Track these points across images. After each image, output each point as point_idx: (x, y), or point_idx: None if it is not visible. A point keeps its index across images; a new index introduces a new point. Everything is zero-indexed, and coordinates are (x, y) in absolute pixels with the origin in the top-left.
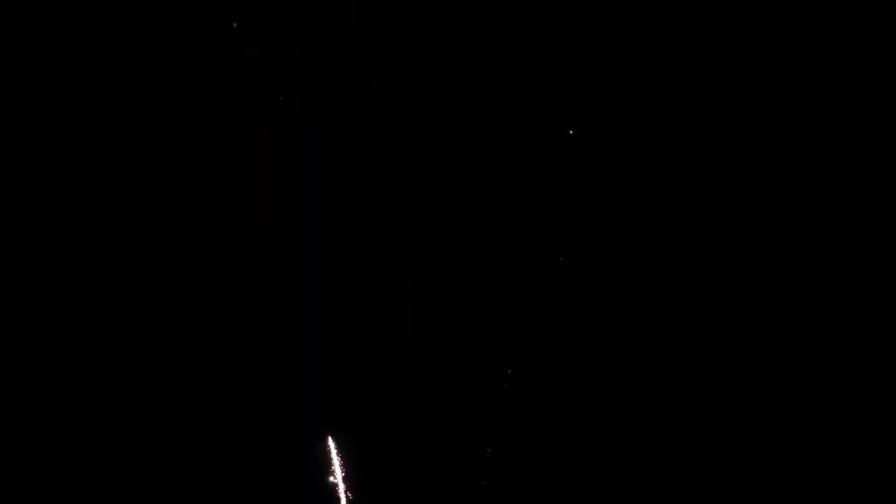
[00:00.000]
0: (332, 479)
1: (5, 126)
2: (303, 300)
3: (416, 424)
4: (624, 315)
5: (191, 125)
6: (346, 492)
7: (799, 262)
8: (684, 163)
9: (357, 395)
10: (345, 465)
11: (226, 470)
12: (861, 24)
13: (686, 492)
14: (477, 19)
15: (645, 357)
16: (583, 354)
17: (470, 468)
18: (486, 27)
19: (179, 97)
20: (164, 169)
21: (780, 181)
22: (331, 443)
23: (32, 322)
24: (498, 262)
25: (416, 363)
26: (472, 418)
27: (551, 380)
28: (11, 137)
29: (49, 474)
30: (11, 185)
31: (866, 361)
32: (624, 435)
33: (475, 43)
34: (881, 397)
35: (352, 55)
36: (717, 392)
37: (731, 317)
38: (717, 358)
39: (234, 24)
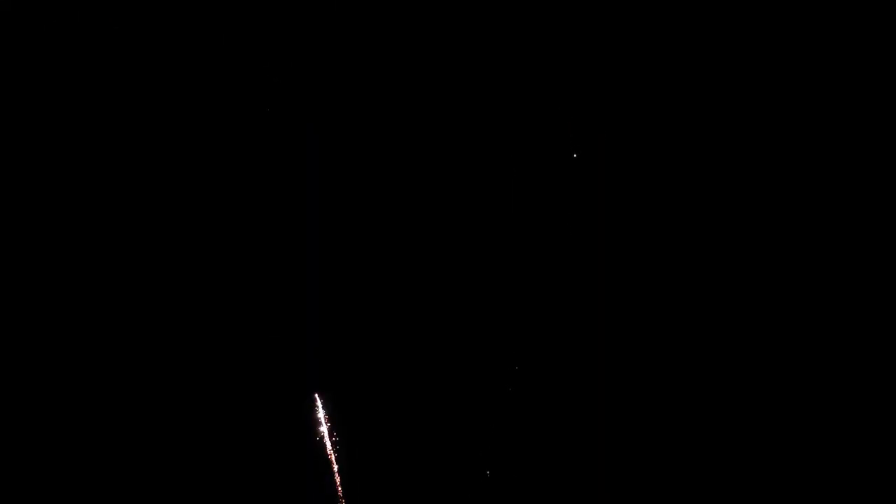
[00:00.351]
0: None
1: (5, 126)
2: (303, 302)
3: (415, 426)
4: (624, 319)
5: (191, 125)
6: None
7: (799, 264)
8: (685, 166)
9: (357, 396)
10: (343, 468)
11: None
12: (861, 24)
13: (686, 492)
14: (477, 20)
15: (645, 360)
16: (583, 358)
17: (470, 469)
18: (485, 28)
19: (179, 97)
20: (163, 169)
21: (781, 183)
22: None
23: (32, 322)
24: (498, 264)
25: (416, 365)
26: (472, 420)
27: (552, 383)
28: (11, 137)
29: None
30: (11, 185)
31: (866, 361)
32: (624, 437)
33: (475, 44)
34: (881, 397)
35: (352, 55)
36: (718, 394)
37: (731, 319)
38: (717, 360)
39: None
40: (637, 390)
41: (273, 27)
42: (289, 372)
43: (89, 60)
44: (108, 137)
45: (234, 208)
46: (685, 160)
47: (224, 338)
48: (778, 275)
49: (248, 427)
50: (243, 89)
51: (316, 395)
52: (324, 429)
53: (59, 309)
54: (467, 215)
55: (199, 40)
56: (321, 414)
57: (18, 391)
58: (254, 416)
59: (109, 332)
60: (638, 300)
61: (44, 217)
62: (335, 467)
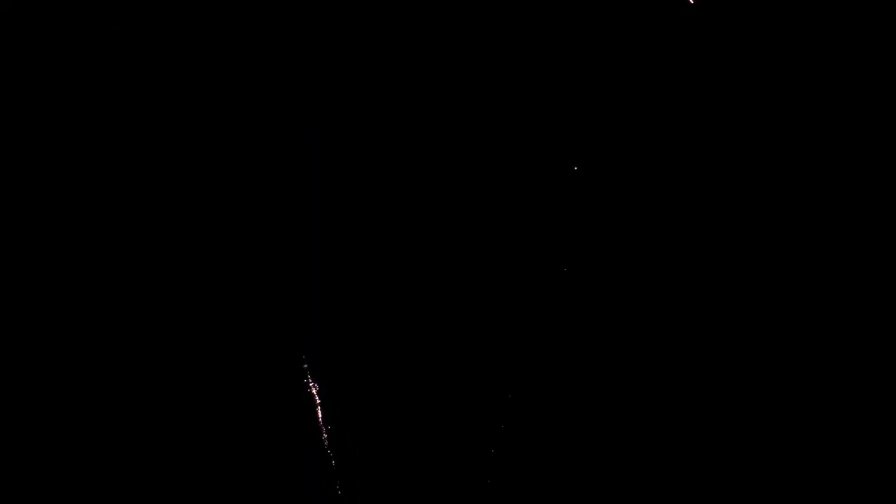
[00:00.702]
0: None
1: (5, 126)
2: (303, 302)
3: (415, 427)
4: (624, 320)
5: (191, 125)
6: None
7: (800, 264)
8: (685, 165)
9: (357, 396)
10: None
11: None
12: (861, 24)
13: (686, 492)
14: (477, 20)
15: (646, 361)
16: (584, 360)
17: (470, 470)
18: (485, 27)
19: (179, 97)
20: (163, 168)
21: (781, 183)
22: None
23: (32, 322)
24: (499, 265)
25: (416, 366)
26: (472, 422)
27: (552, 384)
28: (11, 137)
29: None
30: (11, 185)
31: (866, 362)
32: (624, 439)
33: (475, 43)
34: (881, 397)
35: (352, 55)
36: (718, 395)
37: (731, 320)
38: (717, 360)
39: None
40: (637, 394)
41: (273, 27)
42: (289, 371)
43: (89, 60)
44: (108, 137)
45: (234, 208)
46: (685, 162)
47: (224, 337)
48: (778, 276)
49: (248, 427)
50: (243, 89)
51: (315, 395)
52: (323, 429)
53: (59, 309)
54: (467, 216)
55: (199, 40)
56: (320, 414)
57: (18, 389)
58: (253, 416)
59: (107, 332)
60: (638, 303)
61: (44, 217)
62: (335, 467)
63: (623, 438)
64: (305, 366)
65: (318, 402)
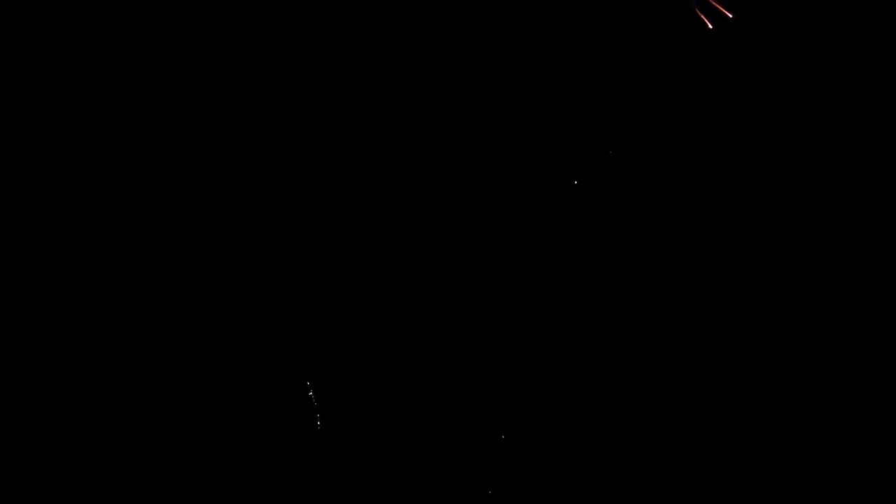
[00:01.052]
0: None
1: (5, 126)
2: (303, 302)
3: (415, 427)
4: (624, 322)
5: (191, 125)
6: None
7: (800, 263)
8: (685, 167)
9: (357, 396)
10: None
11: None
12: (861, 24)
13: (686, 493)
14: (477, 20)
15: (645, 360)
16: (583, 359)
17: (470, 471)
18: (485, 27)
19: (179, 97)
20: (163, 169)
21: (781, 182)
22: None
23: (32, 322)
24: (499, 265)
25: (416, 366)
26: (472, 421)
27: (552, 387)
28: (11, 137)
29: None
30: (11, 185)
31: (866, 362)
32: (624, 439)
33: (475, 43)
34: (881, 398)
35: (352, 54)
36: (718, 394)
37: (730, 321)
38: (717, 360)
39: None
40: (637, 395)
41: (273, 27)
42: (289, 372)
43: (89, 60)
44: (108, 137)
45: (234, 207)
46: (685, 163)
47: (224, 337)
48: (778, 277)
49: (248, 427)
50: (243, 89)
51: (315, 396)
52: (323, 429)
53: (58, 309)
54: (468, 216)
55: (199, 40)
56: (320, 415)
57: (18, 390)
58: (253, 416)
59: (106, 332)
60: (638, 305)
61: (44, 217)
62: (335, 467)
63: (623, 439)
64: (305, 367)
65: (317, 402)
